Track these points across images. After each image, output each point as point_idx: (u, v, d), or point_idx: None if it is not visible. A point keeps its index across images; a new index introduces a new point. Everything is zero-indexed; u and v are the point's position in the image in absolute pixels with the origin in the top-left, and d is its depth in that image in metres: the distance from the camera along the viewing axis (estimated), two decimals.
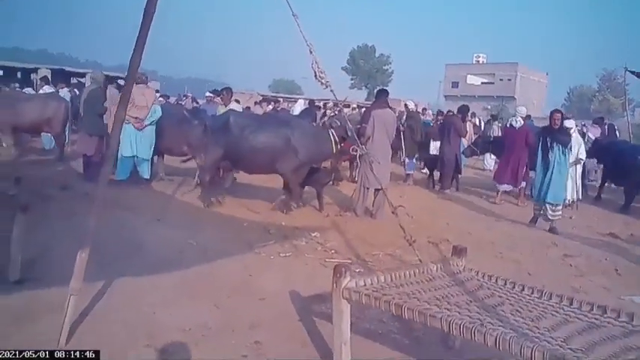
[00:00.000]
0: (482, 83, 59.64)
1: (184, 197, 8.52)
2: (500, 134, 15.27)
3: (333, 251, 6.05)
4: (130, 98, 8.55)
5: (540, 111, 47.10)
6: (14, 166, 9.77)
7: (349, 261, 5.69)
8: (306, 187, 8.31)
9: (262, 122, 8.16)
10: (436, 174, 11.82)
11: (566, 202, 9.19)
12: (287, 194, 8.05)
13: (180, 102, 21.12)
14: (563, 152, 7.97)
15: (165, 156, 10.05)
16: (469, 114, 19.59)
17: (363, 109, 13.67)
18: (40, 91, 14.06)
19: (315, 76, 4.06)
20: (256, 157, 7.67)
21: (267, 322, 4.00)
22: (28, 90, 15.95)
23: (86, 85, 9.83)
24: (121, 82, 14.01)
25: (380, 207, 7.96)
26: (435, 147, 11.60)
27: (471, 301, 3.10)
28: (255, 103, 22.91)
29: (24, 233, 4.33)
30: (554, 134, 7.99)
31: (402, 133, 11.45)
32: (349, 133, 7.43)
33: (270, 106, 20.56)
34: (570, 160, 8.58)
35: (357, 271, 5.34)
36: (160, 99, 21.69)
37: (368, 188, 8.04)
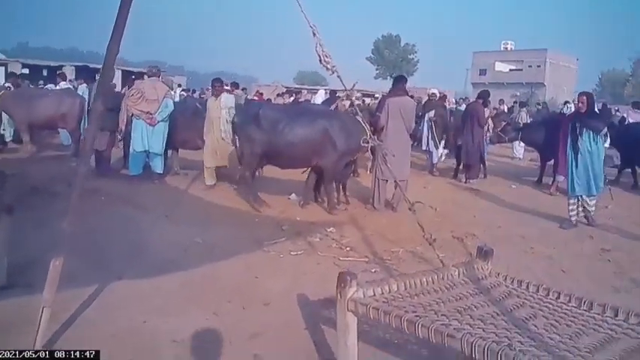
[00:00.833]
0: (510, 70, 58.25)
1: (197, 192, 8.20)
2: (528, 121, 14.60)
3: (348, 248, 5.63)
4: (141, 91, 8.46)
5: (571, 97, 45.64)
6: (26, 162, 9.63)
7: (365, 259, 5.28)
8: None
9: (296, 114, 7.63)
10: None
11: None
12: (307, 190, 7.69)
13: (202, 95, 20.89)
14: (594, 139, 6.97)
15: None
16: (498, 101, 19.11)
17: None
18: (57, 88, 13.93)
19: (320, 60, 3.63)
20: (294, 151, 7.21)
21: (270, 332, 3.61)
22: (50, 86, 15.84)
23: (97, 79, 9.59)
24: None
25: (401, 199, 7.49)
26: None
27: (497, 314, 2.66)
28: (278, 95, 22.64)
29: (9, 235, 4.03)
30: (582, 119, 7.07)
31: (433, 122, 10.97)
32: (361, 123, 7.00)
33: (292, 98, 20.27)
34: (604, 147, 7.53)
35: (373, 271, 4.95)
36: (182, 93, 21.65)
37: (386, 180, 7.59)
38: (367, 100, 20.34)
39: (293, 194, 8.06)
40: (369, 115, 8.77)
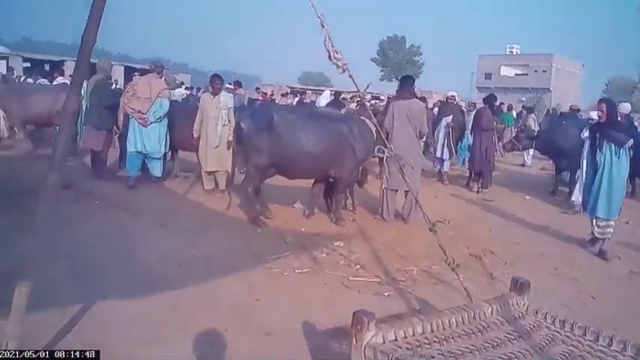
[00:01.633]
0: (516, 75, 57.66)
1: (196, 197, 7.76)
2: (536, 128, 14.11)
3: (358, 266, 5.17)
4: (134, 88, 7.97)
5: (577, 103, 45.06)
6: (18, 160, 9.20)
7: (377, 280, 4.83)
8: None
9: (314, 119, 6.89)
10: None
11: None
12: (313, 198, 7.14)
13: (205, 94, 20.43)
14: (616, 153, 6.13)
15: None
16: (507, 106, 18.58)
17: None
18: (54, 83, 13.52)
19: (330, 56, 3.16)
20: (310, 161, 6.52)
21: None
22: (43, 81, 15.41)
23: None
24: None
25: (412, 210, 7.06)
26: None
27: None
28: (282, 95, 22.22)
29: None
30: (603, 130, 6.26)
31: (451, 128, 10.49)
32: (375, 130, 6.54)
33: (297, 99, 19.84)
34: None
35: (387, 294, 4.50)
36: (185, 91, 21.19)
37: (395, 190, 7.13)
38: (375, 102, 19.87)
39: (297, 202, 7.61)
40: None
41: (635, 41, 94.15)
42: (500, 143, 11.12)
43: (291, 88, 31.70)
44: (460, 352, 2.31)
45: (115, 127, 8.87)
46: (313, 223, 6.80)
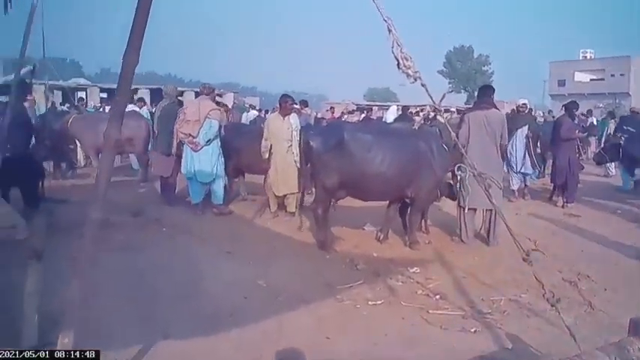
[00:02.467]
0: (591, 80, 54.74)
1: (262, 222, 7.53)
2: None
3: (437, 296, 4.69)
4: (184, 112, 7.80)
5: None
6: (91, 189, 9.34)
7: (460, 313, 4.33)
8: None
9: (388, 136, 6.48)
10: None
11: None
12: (388, 221, 6.65)
13: None
14: None
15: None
16: (586, 111, 17.39)
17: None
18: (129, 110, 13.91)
19: (398, 64, 2.76)
20: (385, 182, 6.07)
21: None
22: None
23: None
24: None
25: (494, 230, 6.50)
26: None
27: None
28: (348, 112, 21.94)
29: (39, 286, 3.41)
30: None
31: (529, 139, 9.76)
32: (452, 144, 6.05)
33: (363, 115, 19.52)
34: None
35: (473, 330, 4.00)
36: (255, 112, 21.35)
37: (474, 209, 6.59)
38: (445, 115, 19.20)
39: (368, 224, 7.22)
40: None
41: None
42: (583, 155, 10.28)
43: (357, 105, 31.43)
44: None
45: None
46: (386, 247, 6.38)
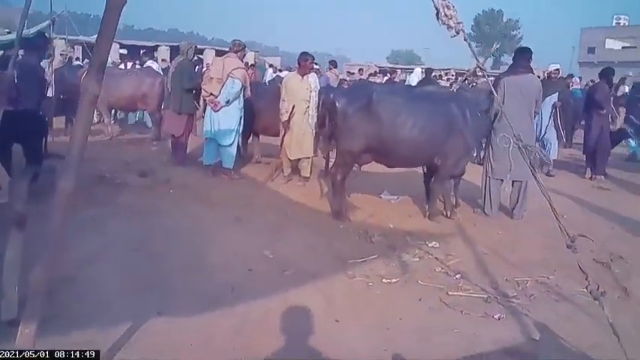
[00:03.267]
0: (623, 48, 52.43)
1: (275, 186, 7.17)
2: None
3: (458, 275, 4.31)
4: (208, 69, 7.33)
5: None
6: (102, 146, 9.08)
7: (483, 295, 3.96)
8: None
9: (422, 99, 6.08)
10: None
11: None
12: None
13: None
14: None
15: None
16: (619, 80, 16.42)
17: (491, 78, 11.28)
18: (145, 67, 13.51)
19: (438, 15, 2.32)
20: (416, 148, 5.74)
21: None
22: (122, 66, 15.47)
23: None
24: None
25: (521, 203, 6.08)
26: None
27: None
28: (370, 75, 21.28)
29: (21, 256, 3.09)
30: None
31: (557, 108, 9.11)
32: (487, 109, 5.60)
33: (386, 78, 18.89)
34: None
35: (497, 317, 3.62)
36: (273, 73, 20.76)
37: (501, 180, 6.13)
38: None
39: (385, 191, 6.83)
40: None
41: None
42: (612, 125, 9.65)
43: (379, 67, 30.59)
44: None
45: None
46: (403, 218, 5.99)
